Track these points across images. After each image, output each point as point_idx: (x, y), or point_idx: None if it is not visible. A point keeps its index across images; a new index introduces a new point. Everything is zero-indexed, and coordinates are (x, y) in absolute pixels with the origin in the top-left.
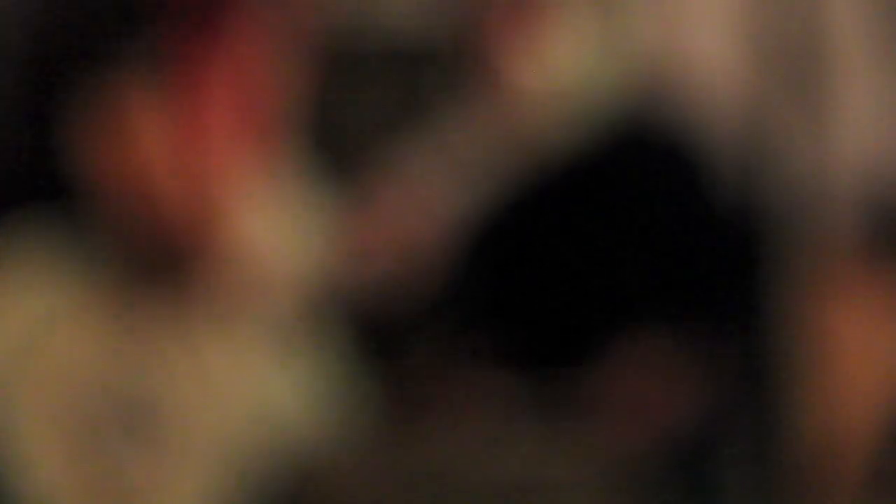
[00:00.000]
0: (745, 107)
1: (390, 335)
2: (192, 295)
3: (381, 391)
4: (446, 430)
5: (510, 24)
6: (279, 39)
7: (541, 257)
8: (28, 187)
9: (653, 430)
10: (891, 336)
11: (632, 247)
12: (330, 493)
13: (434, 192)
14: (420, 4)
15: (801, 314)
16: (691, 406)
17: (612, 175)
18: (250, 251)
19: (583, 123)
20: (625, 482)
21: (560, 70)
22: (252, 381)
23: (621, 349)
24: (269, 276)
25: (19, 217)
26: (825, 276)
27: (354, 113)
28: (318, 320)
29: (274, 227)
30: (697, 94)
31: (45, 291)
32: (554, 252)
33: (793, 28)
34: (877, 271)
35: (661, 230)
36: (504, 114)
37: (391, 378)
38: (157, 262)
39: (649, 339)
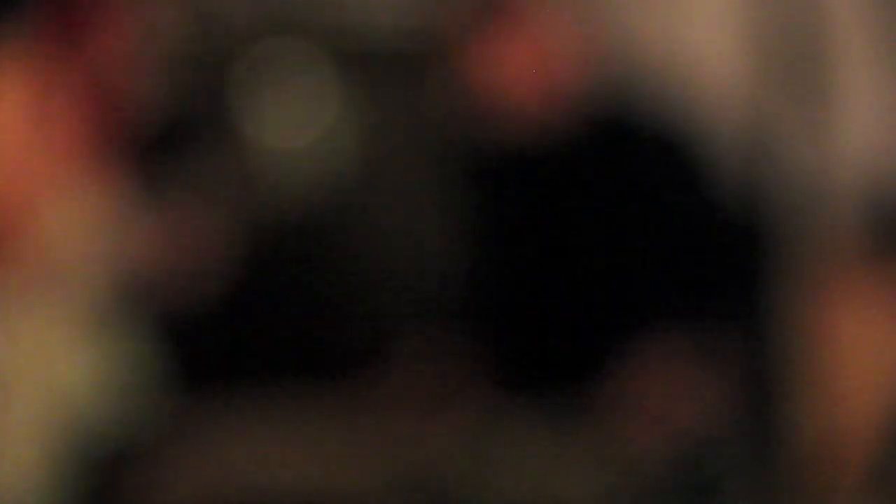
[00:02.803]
0: (747, 106)
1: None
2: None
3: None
4: (435, 437)
5: (479, 28)
6: (135, 45)
7: (544, 264)
8: None
9: (661, 434)
10: (891, 334)
11: (634, 249)
12: (133, 473)
13: (230, 196)
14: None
15: (803, 313)
16: (697, 407)
17: (613, 175)
18: (56, 242)
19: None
20: (633, 489)
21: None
22: (53, 365)
23: (627, 354)
24: (71, 268)
25: None
26: (826, 275)
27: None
28: (116, 310)
29: (81, 221)
30: (700, 94)
31: None
32: (557, 258)
33: (794, 28)
34: (878, 270)
35: (663, 231)
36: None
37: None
38: None
39: (655, 343)
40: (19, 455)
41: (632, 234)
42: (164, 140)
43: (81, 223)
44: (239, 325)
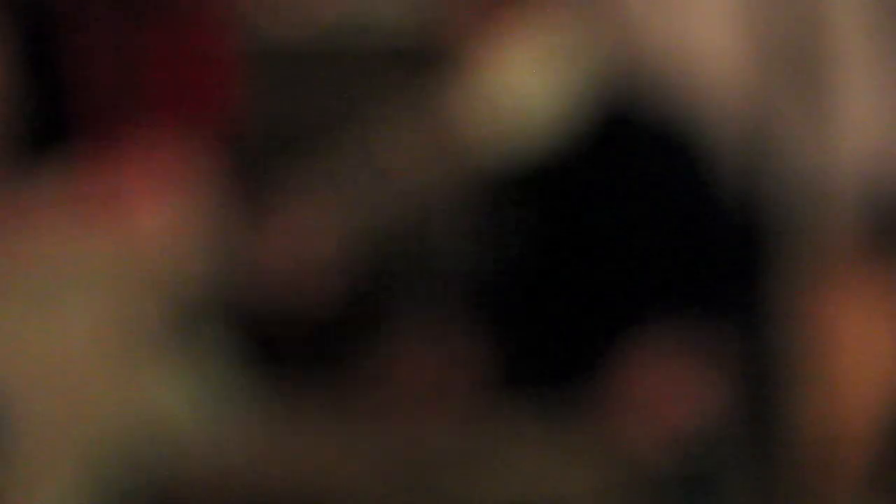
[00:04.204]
0: (747, 103)
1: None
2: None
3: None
4: (439, 434)
5: (485, 22)
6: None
7: (543, 259)
8: None
9: (658, 429)
10: (891, 331)
11: (633, 245)
12: (216, 493)
13: (342, 205)
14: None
15: (802, 309)
16: (695, 403)
17: (612, 171)
18: (149, 251)
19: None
20: (630, 485)
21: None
22: (138, 383)
23: (626, 349)
24: (165, 279)
25: None
26: (826, 272)
27: (289, 118)
28: (210, 326)
29: (179, 230)
30: (700, 90)
31: None
32: (557, 253)
33: (795, 25)
34: (877, 267)
35: (663, 227)
36: (462, 115)
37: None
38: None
39: (653, 338)
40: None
41: (631, 230)
42: (273, 143)
43: (187, 231)
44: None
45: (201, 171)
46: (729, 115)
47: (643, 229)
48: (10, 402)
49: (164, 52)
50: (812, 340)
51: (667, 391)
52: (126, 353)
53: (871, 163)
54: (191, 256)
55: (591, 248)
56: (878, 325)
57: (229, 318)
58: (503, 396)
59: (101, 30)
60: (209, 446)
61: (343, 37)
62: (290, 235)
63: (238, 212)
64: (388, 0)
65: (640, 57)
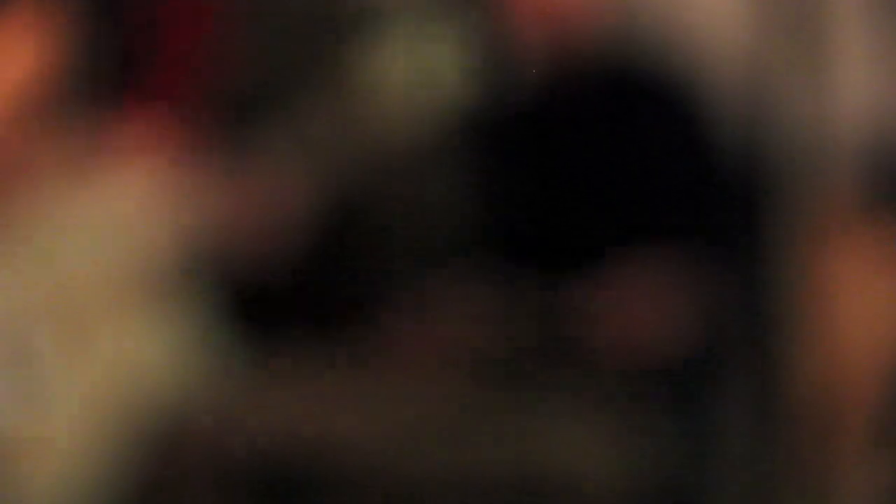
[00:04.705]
0: (747, 57)
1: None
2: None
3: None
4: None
5: None
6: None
7: (545, 195)
8: None
9: (650, 355)
10: (888, 284)
11: (635, 198)
12: (202, 440)
13: (311, 161)
14: None
15: (802, 262)
16: (690, 335)
17: (617, 124)
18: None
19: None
20: (621, 410)
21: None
22: (126, 335)
23: (626, 300)
24: (143, 239)
25: None
26: (825, 225)
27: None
28: (187, 282)
29: (154, 188)
30: (700, 46)
31: None
32: (561, 211)
33: None
34: (875, 220)
35: (665, 182)
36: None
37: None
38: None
39: (654, 291)
40: (87, 427)
41: (632, 182)
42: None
43: (155, 190)
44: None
45: (184, 129)
46: (729, 68)
47: (648, 183)
48: (30, 350)
49: (148, 17)
50: (811, 292)
51: (667, 343)
52: (127, 300)
53: (870, 115)
54: (174, 213)
55: (596, 200)
56: (876, 275)
57: (212, 273)
58: (506, 352)
59: None
60: (202, 396)
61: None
62: (258, 192)
63: (214, 169)
64: None
65: (643, 13)
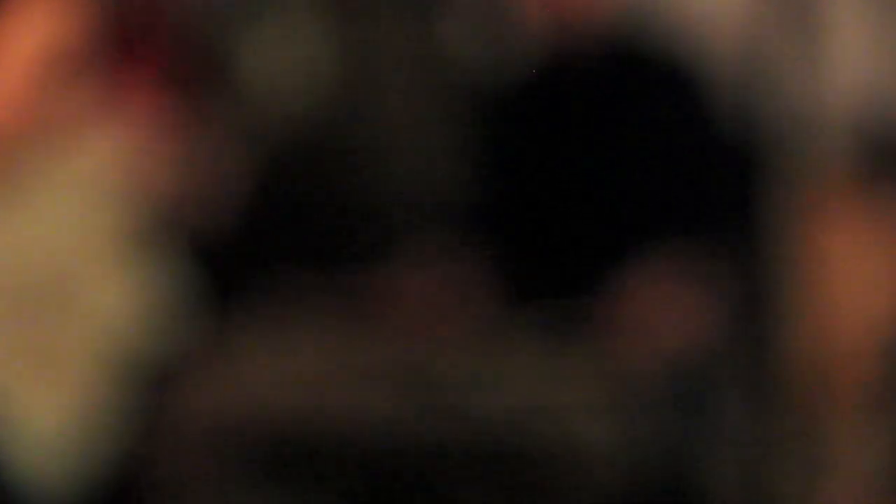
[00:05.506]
0: (743, 34)
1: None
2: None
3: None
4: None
5: None
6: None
7: (549, 179)
8: None
9: (658, 351)
10: (883, 258)
11: (634, 170)
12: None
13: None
14: None
15: (797, 236)
16: (695, 326)
17: (618, 99)
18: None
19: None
20: (627, 401)
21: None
22: (95, 289)
23: (626, 270)
24: (111, 195)
25: None
26: (819, 200)
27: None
28: (150, 235)
29: (119, 150)
30: (697, 22)
31: None
32: (562, 175)
33: None
34: (869, 195)
35: (664, 155)
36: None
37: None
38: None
39: (653, 261)
40: (64, 378)
41: (633, 157)
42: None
43: (120, 152)
44: (257, 241)
45: (164, 93)
46: (726, 45)
47: (646, 156)
48: (20, 304)
49: None
50: (806, 265)
51: (665, 311)
52: (110, 255)
53: (865, 91)
54: (154, 171)
55: (596, 171)
56: (871, 250)
57: (165, 229)
58: (507, 311)
59: None
60: (182, 350)
61: None
62: (197, 159)
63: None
64: None
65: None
